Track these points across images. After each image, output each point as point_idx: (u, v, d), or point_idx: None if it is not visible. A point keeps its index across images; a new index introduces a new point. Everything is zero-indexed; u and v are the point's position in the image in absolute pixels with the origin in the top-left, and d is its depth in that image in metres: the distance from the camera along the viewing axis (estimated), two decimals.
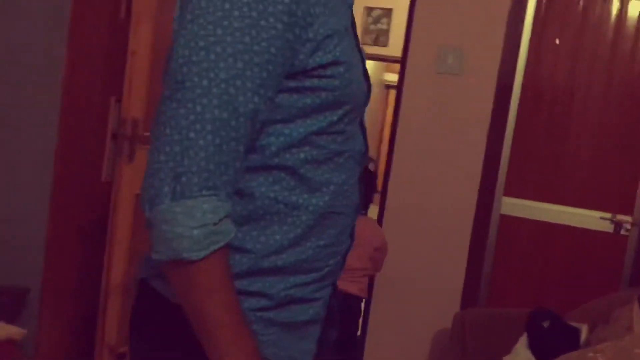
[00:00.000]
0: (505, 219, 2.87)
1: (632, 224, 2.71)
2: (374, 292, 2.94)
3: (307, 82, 0.81)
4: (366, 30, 5.99)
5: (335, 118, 0.85)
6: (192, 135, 0.75)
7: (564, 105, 2.80)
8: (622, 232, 2.72)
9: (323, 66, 0.81)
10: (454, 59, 2.81)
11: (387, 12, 5.59)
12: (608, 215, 2.74)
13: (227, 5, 0.75)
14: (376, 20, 5.93)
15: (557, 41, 2.79)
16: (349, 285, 2.67)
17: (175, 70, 0.77)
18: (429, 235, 2.87)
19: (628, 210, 2.72)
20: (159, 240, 0.76)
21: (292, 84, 0.81)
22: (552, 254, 2.82)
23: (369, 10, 5.92)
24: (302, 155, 0.84)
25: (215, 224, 0.76)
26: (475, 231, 2.84)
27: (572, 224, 2.79)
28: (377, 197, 3.13)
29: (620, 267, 2.74)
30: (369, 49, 5.98)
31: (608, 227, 2.74)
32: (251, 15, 0.75)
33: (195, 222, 0.75)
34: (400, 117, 2.90)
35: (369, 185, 2.89)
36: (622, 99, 2.73)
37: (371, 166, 5.80)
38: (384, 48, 5.99)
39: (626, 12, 2.70)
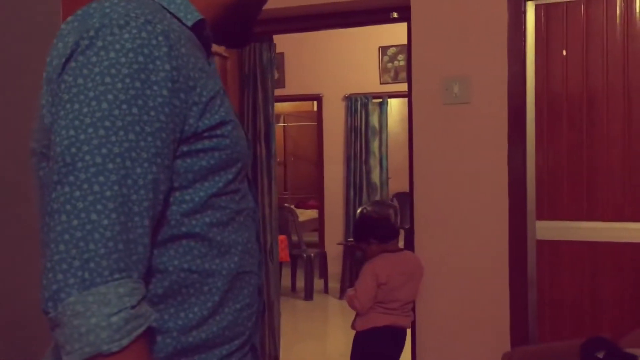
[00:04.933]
0: (543, 244, 2.71)
1: None
2: (417, 332, 2.81)
3: (200, 145, 0.81)
4: (384, 69, 5.98)
5: (230, 177, 0.85)
6: (93, 216, 0.70)
7: (583, 117, 2.65)
8: None
9: (213, 127, 0.81)
10: (461, 89, 2.73)
11: (402, 48, 5.58)
12: None
13: (107, 79, 0.73)
14: (392, 58, 5.91)
15: (564, 52, 2.67)
16: (403, 319, 2.69)
17: (62, 153, 0.72)
18: (465, 272, 2.73)
19: None
20: (70, 338, 0.68)
21: (185, 148, 0.80)
22: (599, 274, 2.63)
23: (384, 49, 5.92)
24: (207, 220, 0.83)
25: (133, 307, 0.70)
26: (513, 261, 2.68)
27: (615, 239, 2.60)
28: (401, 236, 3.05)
29: None
30: (391, 87, 5.95)
31: None
32: (135, 86, 0.74)
33: (111, 309, 0.68)
34: (415, 151, 2.82)
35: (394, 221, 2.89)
36: None
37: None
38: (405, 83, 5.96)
39: (631, 12, 2.57)
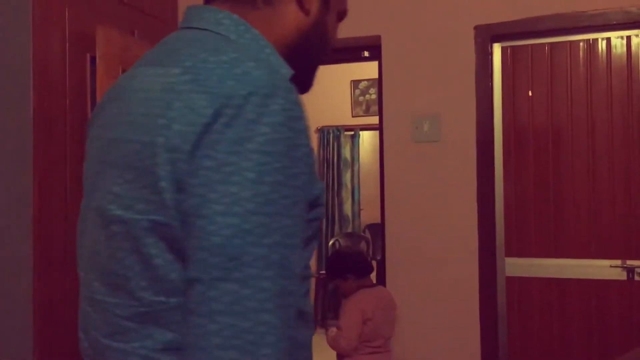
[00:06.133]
0: (512, 281, 2.74)
1: None
2: None
3: (311, 214, 0.73)
4: (356, 102, 6.05)
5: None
6: (265, 317, 0.64)
7: (549, 155, 2.71)
8: (636, 277, 2.57)
9: (318, 196, 0.74)
10: (430, 127, 2.78)
11: (374, 82, 5.65)
12: (618, 262, 2.60)
13: (264, 159, 0.65)
14: (364, 92, 5.99)
15: (530, 93, 2.74)
16: (387, 357, 2.64)
17: (223, 245, 0.63)
18: (437, 305, 2.75)
19: (638, 254, 2.58)
20: None
21: None
22: (567, 310, 2.67)
23: (356, 83, 5.99)
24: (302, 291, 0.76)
25: None
26: (483, 296, 2.70)
27: (582, 276, 2.65)
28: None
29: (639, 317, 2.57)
30: (363, 120, 6.02)
31: (620, 275, 2.59)
32: (287, 166, 0.67)
33: None
34: (386, 186, 2.85)
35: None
36: (607, 138, 2.64)
37: (363, 245, 5.76)
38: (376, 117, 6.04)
39: (594, 55, 2.66)
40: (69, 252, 2.31)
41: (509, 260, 2.74)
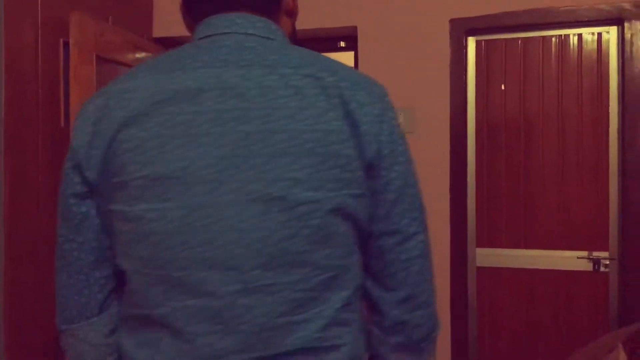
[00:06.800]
0: (483, 271, 2.79)
1: (610, 259, 2.63)
2: None
3: None
4: None
5: None
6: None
7: (521, 147, 2.76)
8: (602, 269, 2.64)
9: None
10: (405, 119, 2.80)
11: None
12: (584, 253, 2.66)
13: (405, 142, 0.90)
14: None
15: (503, 86, 2.78)
16: None
17: (418, 198, 0.87)
18: None
19: (603, 246, 2.65)
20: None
21: None
22: (536, 300, 2.73)
23: None
24: None
25: None
26: (454, 287, 2.75)
27: (551, 267, 2.71)
28: None
29: (606, 305, 2.64)
30: None
31: (587, 266, 2.66)
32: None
33: None
34: None
35: None
36: (577, 133, 2.70)
37: None
38: None
39: (566, 49, 2.71)
40: (39, 249, 2.29)
41: (480, 251, 2.79)
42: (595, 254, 2.65)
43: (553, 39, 2.72)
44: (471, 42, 2.80)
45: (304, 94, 0.79)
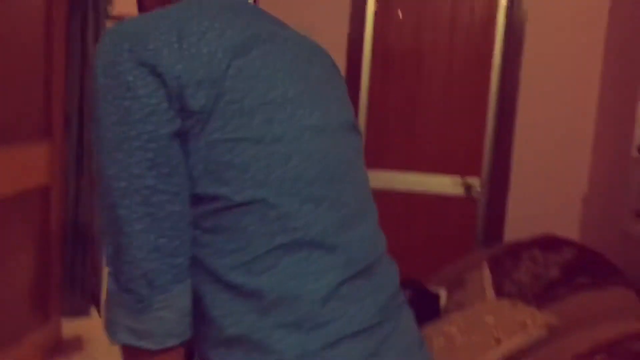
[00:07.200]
0: None
1: (481, 186, 2.89)
2: None
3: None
4: None
5: None
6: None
7: (411, 76, 2.88)
8: (473, 194, 2.89)
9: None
10: None
11: None
12: (459, 178, 2.89)
13: None
14: None
15: (400, 15, 2.85)
16: None
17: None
18: None
19: (476, 172, 2.89)
20: None
21: None
22: (413, 222, 2.95)
23: None
24: None
25: None
26: None
27: (428, 190, 2.92)
28: None
29: (474, 228, 2.92)
30: None
31: (460, 190, 2.90)
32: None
33: None
34: None
35: None
36: (464, 66, 2.85)
37: None
38: None
39: None
40: None
41: (368, 173, 2.93)
42: (469, 180, 2.89)
43: None
44: None
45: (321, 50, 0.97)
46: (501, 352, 1.76)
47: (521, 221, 2.81)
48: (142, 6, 0.93)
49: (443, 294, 2.41)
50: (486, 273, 2.28)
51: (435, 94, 2.88)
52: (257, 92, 0.76)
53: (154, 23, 0.74)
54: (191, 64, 0.73)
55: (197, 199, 0.76)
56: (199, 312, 0.78)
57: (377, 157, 2.93)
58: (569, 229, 2.78)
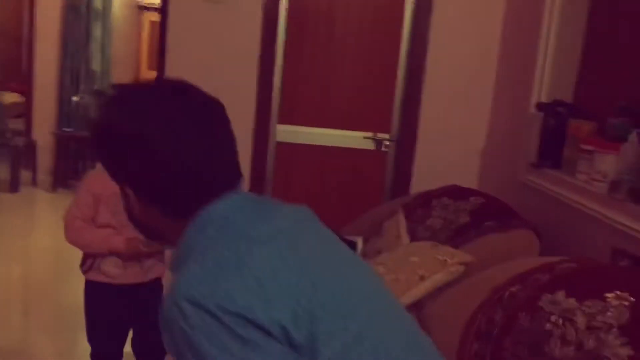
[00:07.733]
0: (282, 147, 2.99)
1: (390, 141, 3.02)
2: None
3: None
4: None
5: None
6: None
7: (326, 34, 2.93)
8: (383, 148, 3.02)
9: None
10: None
11: None
12: (370, 134, 3.01)
13: None
14: None
15: None
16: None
17: None
18: None
19: (386, 129, 3.02)
20: None
21: None
22: (326, 175, 3.03)
23: None
24: None
25: None
26: (255, 161, 2.91)
27: (341, 144, 3.01)
28: None
29: (383, 181, 3.06)
30: None
31: (371, 145, 3.02)
32: None
33: None
34: (169, 45, 2.79)
35: None
36: (375, 27, 2.94)
37: None
38: None
39: None
40: None
41: (281, 127, 2.96)
42: (379, 135, 3.01)
43: None
44: None
45: None
46: (425, 288, 1.90)
47: (426, 174, 2.98)
48: (136, 220, 0.97)
49: (359, 241, 2.52)
50: (402, 221, 2.41)
51: (348, 55, 2.95)
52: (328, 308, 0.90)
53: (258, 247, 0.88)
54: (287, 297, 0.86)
55: None
56: None
57: (293, 114, 2.97)
58: (469, 180, 2.99)
